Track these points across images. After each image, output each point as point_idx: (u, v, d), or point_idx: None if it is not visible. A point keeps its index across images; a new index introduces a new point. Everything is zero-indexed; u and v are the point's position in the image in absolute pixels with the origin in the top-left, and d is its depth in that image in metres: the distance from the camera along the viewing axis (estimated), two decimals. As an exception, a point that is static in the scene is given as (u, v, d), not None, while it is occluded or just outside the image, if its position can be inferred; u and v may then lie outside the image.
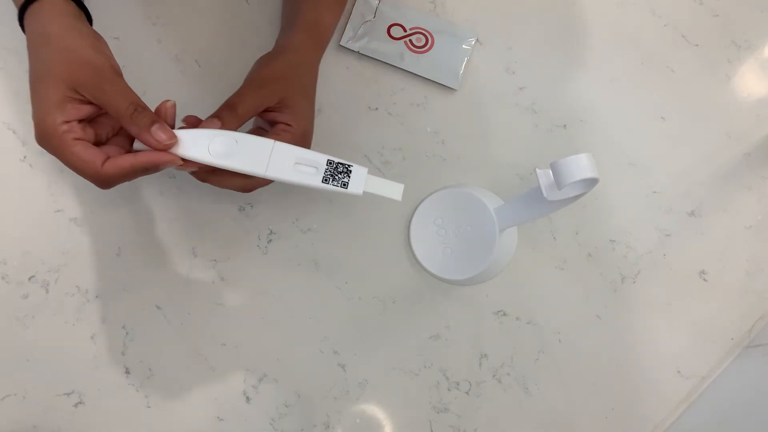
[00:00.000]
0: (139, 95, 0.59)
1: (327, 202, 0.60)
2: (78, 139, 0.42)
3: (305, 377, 0.58)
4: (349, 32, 0.62)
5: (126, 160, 0.43)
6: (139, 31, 0.61)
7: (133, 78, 0.60)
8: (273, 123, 0.51)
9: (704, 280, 0.61)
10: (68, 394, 0.57)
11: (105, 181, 0.43)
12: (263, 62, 0.53)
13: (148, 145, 0.44)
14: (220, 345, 0.58)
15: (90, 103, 0.43)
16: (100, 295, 0.58)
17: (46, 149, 0.43)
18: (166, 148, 0.44)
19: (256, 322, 0.59)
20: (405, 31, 0.62)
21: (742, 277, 0.61)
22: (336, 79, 0.62)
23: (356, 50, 0.62)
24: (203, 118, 0.48)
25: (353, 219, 0.60)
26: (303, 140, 0.51)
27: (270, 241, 0.60)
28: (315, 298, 0.59)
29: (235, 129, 0.47)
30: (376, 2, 0.63)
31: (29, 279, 0.58)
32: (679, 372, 0.60)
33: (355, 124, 0.61)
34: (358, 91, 0.62)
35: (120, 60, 0.60)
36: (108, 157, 0.43)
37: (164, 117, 0.45)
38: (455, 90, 0.62)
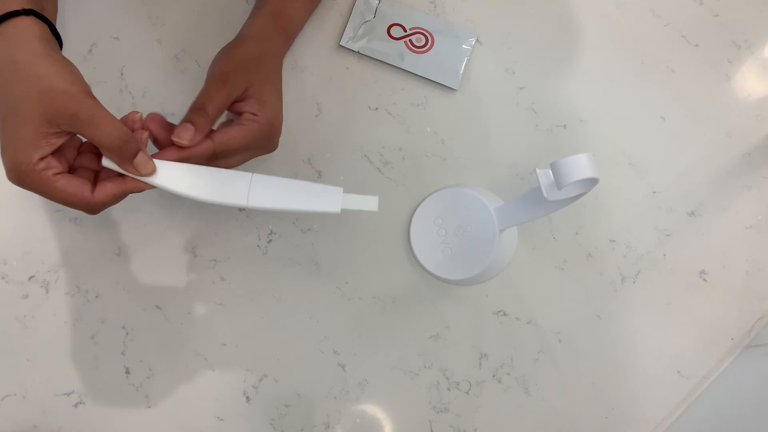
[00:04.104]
0: (138, 95, 0.60)
1: (327, 202, 0.60)
2: (58, 173, 0.41)
3: (305, 377, 0.58)
4: (349, 32, 0.62)
5: (116, 187, 0.44)
6: (139, 31, 0.61)
7: (133, 78, 0.60)
8: (239, 113, 0.50)
9: (704, 280, 0.61)
10: (68, 394, 0.57)
11: (96, 208, 0.44)
12: (223, 54, 0.52)
13: (127, 173, 0.44)
14: (220, 345, 0.58)
15: (61, 131, 0.41)
16: (100, 295, 0.58)
17: (23, 188, 0.41)
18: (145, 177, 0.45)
19: (256, 322, 0.59)
20: (405, 31, 0.62)
21: (742, 277, 0.61)
22: (336, 79, 0.62)
23: (356, 50, 0.62)
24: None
25: (353, 219, 0.60)
26: (270, 129, 0.50)
27: (270, 241, 0.60)
28: (315, 298, 0.59)
29: (208, 129, 0.47)
30: (376, 2, 0.63)
31: (29, 279, 0.58)
32: (679, 372, 0.60)
33: (355, 124, 0.61)
34: (358, 91, 0.62)
35: (120, 60, 0.60)
36: (94, 186, 0.43)
37: (131, 126, 0.45)
38: (455, 90, 0.62)
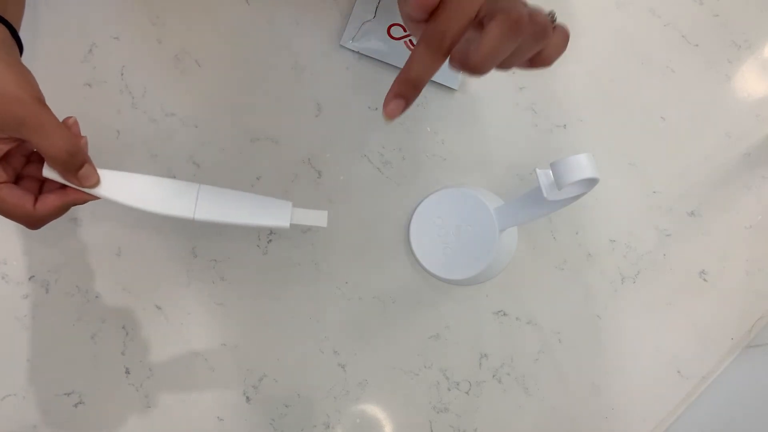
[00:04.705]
0: (138, 95, 0.60)
1: (326, 201, 0.60)
2: (1, 183, 0.41)
3: (305, 377, 0.58)
4: (349, 32, 0.62)
5: (58, 199, 0.43)
6: (139, 31, 0.61)
7: (133, 78, 0.60)
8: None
9: (704, 280, 0.61)
10: (68, 394, 0.57)
11: (38, 222, 0.42)
12: None
13: (72, 185, 0.43)
14: (220, 345, 0.58)
15: (8, 138, 0.40)
16: (100, 295, 0.58)
17: None
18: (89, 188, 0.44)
19: (256, 322, 0.59)
20: (405, 31, 0.62)
21: (742, 277, 0.61)
22: (336, 79, 0.62)
23: (356, 50, 0.62)
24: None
25: (353, 219, 0.60)
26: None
27: (270, 241, 0.60)
28: (315, 298, 0.59)
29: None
30: (376, 2, 0.62)
31: (29, 279, 0.58)
32: (679, 372, 0.60)
33: (355, 124, 0.61)
34: (358, 91, 0.62)
35: (120, 60, 0.60)
36: (36, 197, 0.42)
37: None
38: (455, 90, 0.62)
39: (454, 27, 0.34)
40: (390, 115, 0.37)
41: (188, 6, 0.62)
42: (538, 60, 0.37)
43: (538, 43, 0.36)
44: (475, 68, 0.35)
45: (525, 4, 0.36)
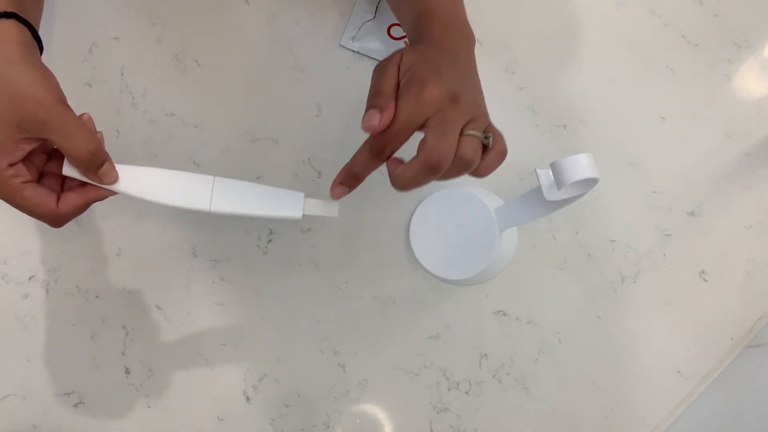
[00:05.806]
0: (138, 95, 0.60)
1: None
2: (26, 182, 0.41)
3: (305, 377, 0.58)
4: (349, 32, 0.62)
5: (79, 197, 0.43)
6: (139, 31, 0.61)
7: (133, 78, 0.60)
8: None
9: (704, 280, 0.61)
10: (68, 394, 0.57)
11: (60, 220, 0.43)
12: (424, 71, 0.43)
13: (92, 182, 0.44)
14: (220, 345, 0.58)
15: (32, 137, 0.41)
16: (100, 295, 0.58)
17: None
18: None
19: (256, 322, 0.59)
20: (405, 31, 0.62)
21: (742, 277, 0.61)
22: (336, 79, 0.62)
23: (356, 50, 0.62)
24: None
25: (353, 219, 0.60)
26: (413, 80, 0.43)
27: (270, 241, 0.60)
28: (315, 298, 0.59)
29: (390, 106, 0.42)
30: (376, 2, 0.63)
31: (29, 279, 0.58)
32: (679, 372, 0.60)
33: (355, 124, 0.61)
34: (358, 91, 0.62)
35: (120, 60, 0.60)
36: (59, 196, 0.43)
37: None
38: (455, 90, 0.62)
39: (394, 142, 0.41)
40: (335, 197, 0.45)
41: (188, 6, 0.62)
42: (472, 173, 0.42)
43: (463, 172, 0.41)
44: (397, 188, 0.42)
45: (466, 120, 0.40)
